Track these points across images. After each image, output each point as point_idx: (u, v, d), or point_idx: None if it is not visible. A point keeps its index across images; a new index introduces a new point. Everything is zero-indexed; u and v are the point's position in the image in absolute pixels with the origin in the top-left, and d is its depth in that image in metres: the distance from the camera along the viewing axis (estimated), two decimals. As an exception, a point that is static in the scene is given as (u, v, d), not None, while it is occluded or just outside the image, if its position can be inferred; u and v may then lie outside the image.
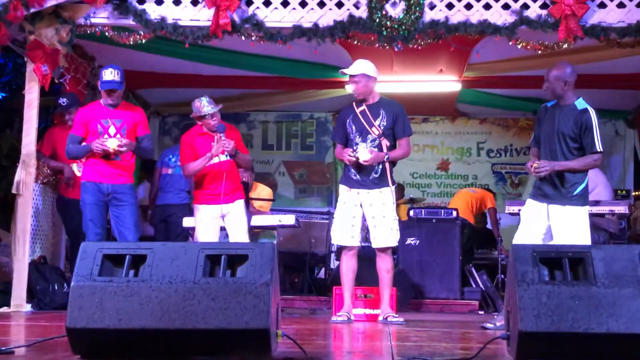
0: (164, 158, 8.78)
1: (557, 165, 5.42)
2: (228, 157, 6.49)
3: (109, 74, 6.30)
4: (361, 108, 6.17)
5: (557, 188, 5.40)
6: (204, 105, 6.50)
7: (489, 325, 5.62)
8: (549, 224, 5.43)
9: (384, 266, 6.14)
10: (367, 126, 6.09)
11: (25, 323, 5.56)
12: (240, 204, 6.59)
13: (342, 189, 6.22)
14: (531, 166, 5.41)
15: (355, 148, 6.08)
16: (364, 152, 6.00)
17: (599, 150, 5.35)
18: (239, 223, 6.55)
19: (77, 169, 6.94)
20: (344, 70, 6.18)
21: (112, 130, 6.30)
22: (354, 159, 6.00)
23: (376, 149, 6.05)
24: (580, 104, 5.44)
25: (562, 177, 5.39)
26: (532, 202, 5.57)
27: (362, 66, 6.14)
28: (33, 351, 3.42)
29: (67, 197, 7.35)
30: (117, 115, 6.36)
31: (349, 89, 8.94)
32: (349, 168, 6.16)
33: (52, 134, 7.59)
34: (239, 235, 6.48)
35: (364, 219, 6.17)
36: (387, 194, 6.12)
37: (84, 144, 6.33)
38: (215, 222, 6.53)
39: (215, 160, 6.43)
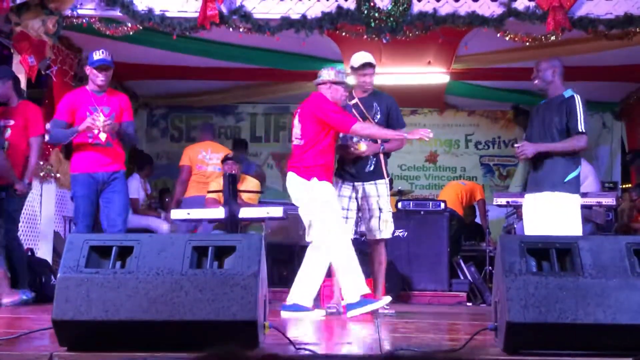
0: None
1: (541, 147, 5.49)
2: None
3: (100, 54, 6.18)
4: (354, 101, 6.13)
5: (547, 175, 5.46)
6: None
7: None
8: (543, 209, 5.47)
9: (378, 258, 6.14)
10: (360, 119, 6.05)
11: (12, 315, 5.53)
12: None
13: (334, 181, 6.17)
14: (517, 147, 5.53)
15: (355, 141, 6.04)
16: (361, 144, 5.99)
17: (581, 130, 5.39)
18: None
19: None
20: (369, 60, 6.09)
21: (100, 118, 6.16)
22: (357, 151, 5.98)
23: (370, 142, 6.03)
24: (568, 92, 5.51)
25: (553, 164, 5.42)
26: (528, 195, 5.62)
27: (373, 58, 6.14)
28: (19, 343, 3.40)
29: None
30: (105, 102, 6.24)
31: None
32: (341, 161, 6.14)
33: None
34: None
35: (357, 212, 6.14)
36: (383, 186, 6.10)
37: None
38: None
39: None
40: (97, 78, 6.19)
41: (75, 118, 6.21)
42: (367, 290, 5.66)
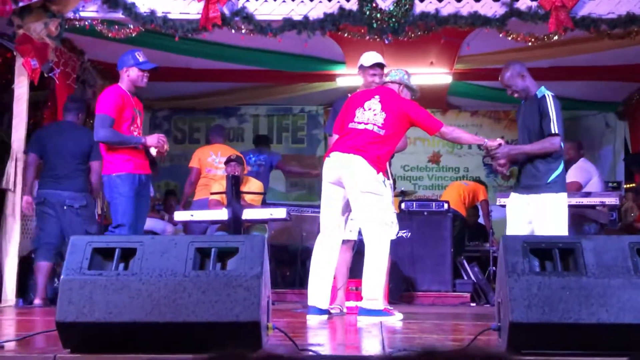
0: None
1: (513, 149, 5.48)
2: None
3: (142, 55, 6.09)
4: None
5: (532, 177, 5.41)
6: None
7: None
8: (530, 212, 5.43)
9: None
10: None
11: (15, 318, 5.54)
12: None
13: None
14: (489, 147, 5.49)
15: None
16: None
17: (554, 132, 5.29)
18: None
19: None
20: (380, 61, 6.06)
21: (138, 120, 6.09)
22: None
23: None
24: (540, 92, 5.44)
25: (536, 165, 5.38)
26: (514, 195, 5.59)
27: (383, 59, 6.13)
28: (23, 345, 3.40)
29: None
30: (137, 104, 6.13)
31: (341, 82, 8.92)
32: None
33: None
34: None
35: None
36: (389, 188, 6.09)
37: (131, 135, 6.00)
38: None
39: None
40: (142, 80, 6.08)
41: (122, 117, 5.98)
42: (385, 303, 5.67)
